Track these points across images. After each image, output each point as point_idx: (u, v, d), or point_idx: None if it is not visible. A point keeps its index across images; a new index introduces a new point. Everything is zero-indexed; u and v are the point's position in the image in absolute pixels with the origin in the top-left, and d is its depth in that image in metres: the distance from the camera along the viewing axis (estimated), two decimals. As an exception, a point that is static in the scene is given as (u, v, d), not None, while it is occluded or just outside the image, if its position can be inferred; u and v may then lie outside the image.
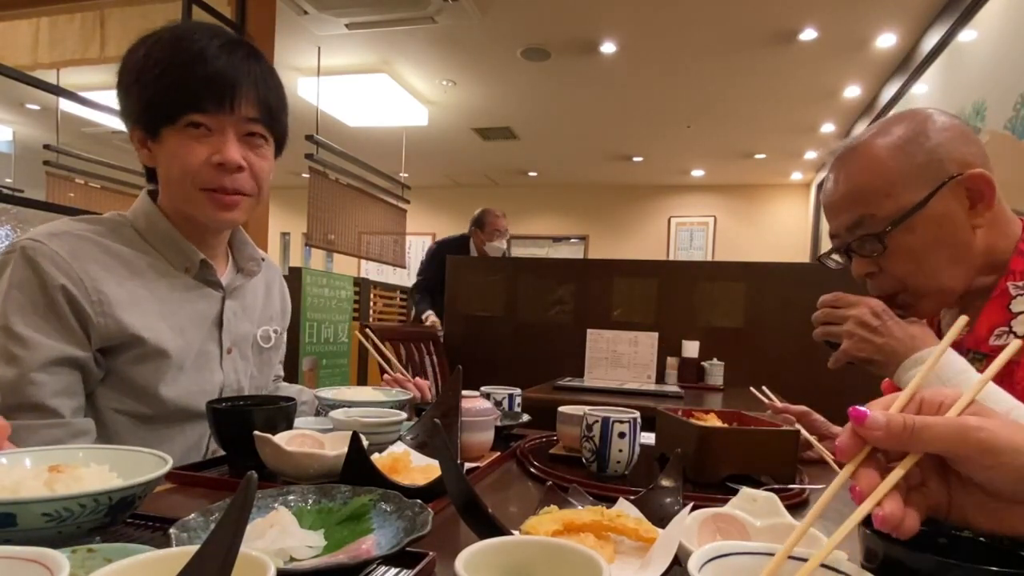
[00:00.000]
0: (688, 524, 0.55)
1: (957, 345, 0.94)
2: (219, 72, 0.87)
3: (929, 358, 0.67)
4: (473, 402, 0.96)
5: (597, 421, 0.89)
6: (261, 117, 0.92)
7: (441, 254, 3.50)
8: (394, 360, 1.29)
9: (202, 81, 0.86)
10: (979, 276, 0.91)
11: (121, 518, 0.54)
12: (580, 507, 0.63)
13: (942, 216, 0.87)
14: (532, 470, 0.91)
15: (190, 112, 0.87)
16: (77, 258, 0.84)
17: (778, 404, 1.12)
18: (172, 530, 0.49)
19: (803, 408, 1.09)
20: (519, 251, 8.94)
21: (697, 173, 7.73)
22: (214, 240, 1.01)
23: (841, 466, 0.44)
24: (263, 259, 1.10)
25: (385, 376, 1.26)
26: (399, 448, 0.83)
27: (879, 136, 0.91)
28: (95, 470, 0.57)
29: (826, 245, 1.04)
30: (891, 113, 1.09)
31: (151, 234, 0.94)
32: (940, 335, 1.03)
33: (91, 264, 0.85)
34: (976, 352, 0.91)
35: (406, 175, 6.23)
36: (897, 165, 0.88)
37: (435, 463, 0.77)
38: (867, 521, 0.51)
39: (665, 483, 0.72)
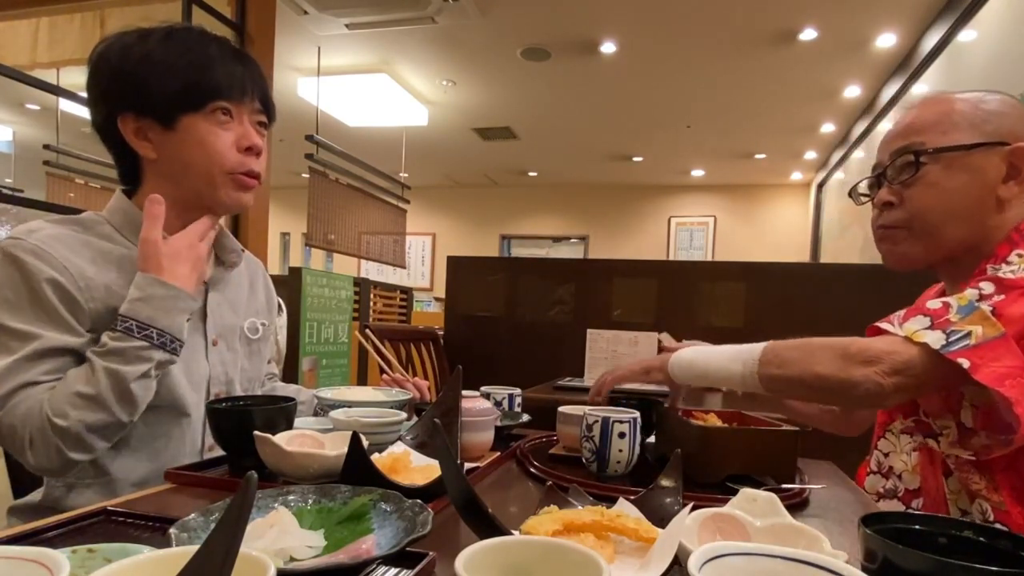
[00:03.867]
0: (688, 524, 0.55)
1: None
2: (238, 66, 0.95)
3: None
4: (473, 402, 0.96)
5: (597, 421, 0.89)
6: (264, 108, 1.00)
7: None
8: (394, 360, 1.29)
9: (229, 71, 0.93)
10: (980, 258, 0.92)
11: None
12: (580, 507, 0.63)
13: (977, 169, 0.92)
14: (532, 470, 0.91)
15: (220, 99, 0.92)
16: (57, 249, 0.85)
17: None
18: (172, 530, 0.49)
19: None
20: (519, 251, 8.95)
21: (697, 173, 7.72)
22: None
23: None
24: (242, 250, 1.10)
25: (384, 376, 1.26)
26: (399, 448, 0.83)
27: (959, 92, 1.00)
28: None
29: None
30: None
31: (128, 229, 0.94)
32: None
33: (71, 254, 0.86)
34: None
35: (406, 175, 6.23)
36: (961, 112, 0.95)
37: (435, 463, 0.77)
38: (867, 521, 0.51)
39: (665, 483, 0.72)
